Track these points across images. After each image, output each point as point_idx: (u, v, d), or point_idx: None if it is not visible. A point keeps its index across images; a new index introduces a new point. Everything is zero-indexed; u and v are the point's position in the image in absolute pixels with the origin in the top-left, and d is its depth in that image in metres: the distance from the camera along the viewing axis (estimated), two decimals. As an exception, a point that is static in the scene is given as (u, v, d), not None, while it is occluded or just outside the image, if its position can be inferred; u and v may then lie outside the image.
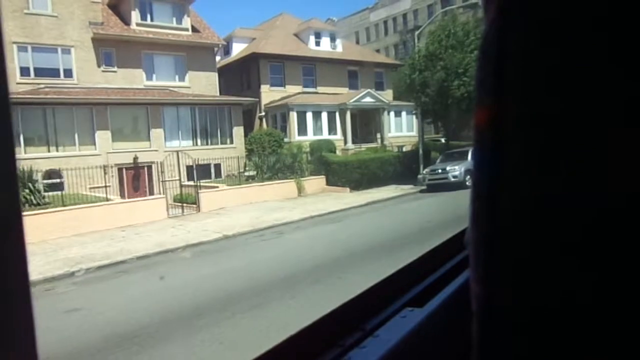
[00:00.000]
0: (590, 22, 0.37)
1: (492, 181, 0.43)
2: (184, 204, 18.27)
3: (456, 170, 18.78)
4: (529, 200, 0.40)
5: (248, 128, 27.31)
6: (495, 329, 0.44)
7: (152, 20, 24.23)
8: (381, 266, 7.97)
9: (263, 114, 29.14)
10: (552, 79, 0.39)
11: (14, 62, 19.94)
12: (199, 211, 17.53)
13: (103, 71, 22.60)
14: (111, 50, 22.89)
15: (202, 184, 20.00)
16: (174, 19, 24.85)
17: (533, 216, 0.40)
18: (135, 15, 23.65)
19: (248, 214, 15.92)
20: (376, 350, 0.83)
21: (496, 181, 0.43)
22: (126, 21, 23.76)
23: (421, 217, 13.58)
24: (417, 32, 22.65)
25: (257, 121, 29.54)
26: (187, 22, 25.15)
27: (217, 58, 34.20)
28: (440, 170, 19.20)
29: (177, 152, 20.91)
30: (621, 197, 0.37)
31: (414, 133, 32.73)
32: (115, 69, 22.98)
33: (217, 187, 19.13)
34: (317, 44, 32.19)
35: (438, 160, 20.71)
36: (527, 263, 0.41)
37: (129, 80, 23.34)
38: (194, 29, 25.65)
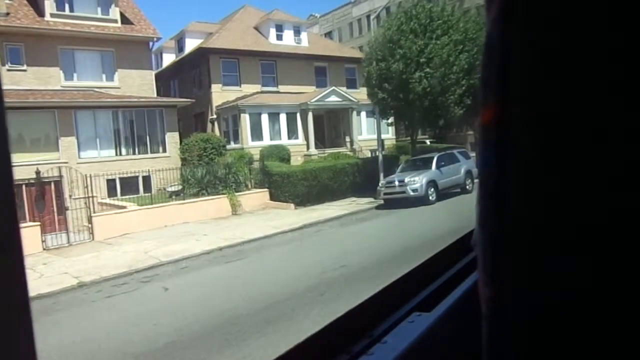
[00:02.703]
0: (594, 19, 0.37)
1: (498, 181, 0.43)
2: (82, 229, 14.88)
3: (416, 182, 15.24)
4: (536, 200, 0.40)
5: (201, 133, 23.89)
6: (505, 331, 0.44)
7: (71, 10, 20.84)
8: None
9: (215, 116, 25.75)
10: (556, 77, 0.39)
11: None
12: (93, 239, 14.11)
13: (9, 70, 19.17)
14: (19, 46, 19.53)
15: (111, 202, 16.65)
16: (99, 9, 21.45)
17: (540, 216, 0.40)
18: (49, 5, 20.26)
19: (142, 245, 12.49)
20: (384, 357, 0.82)
21: (502, 181, 0.42)
22: (40, 12, 20.38)
23: (347, 253, 10.10)
24: (372, 17, 19.13)
25: (209, 125, 26.18)
26: (115, 12, 21.75)
27: (172, 56, 31.06)
28: (397, 183, 15.64)
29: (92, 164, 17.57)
30: (624, 197, 0.37)
31: (390, 135, 29.28)
32: (24, 67, 19.60)
33: (125, 207, 15.69)
34: (279, 37, 28.72)
35: (398, 170, 17.16)
36: (535, 263, 0.41)
37: (43, 80, 19.96)
38: (126, 21, 22.26)
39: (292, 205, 17.45)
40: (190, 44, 28.45)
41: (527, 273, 0.41)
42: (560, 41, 0.38)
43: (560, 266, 0.39)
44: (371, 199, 17.86)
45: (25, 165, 17.26)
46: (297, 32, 29.49)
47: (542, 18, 0.38)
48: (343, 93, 26.51)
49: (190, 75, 27.50)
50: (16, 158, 17.20)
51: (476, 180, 17.84)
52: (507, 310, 0.43)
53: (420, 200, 15.11)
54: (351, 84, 29.89)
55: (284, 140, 24.38)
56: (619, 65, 0.36)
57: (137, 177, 19.56)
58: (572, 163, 0.38)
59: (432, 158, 16.45)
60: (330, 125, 28.65)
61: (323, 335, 0.84)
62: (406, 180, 15.36)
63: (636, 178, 0.36)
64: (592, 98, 0.37)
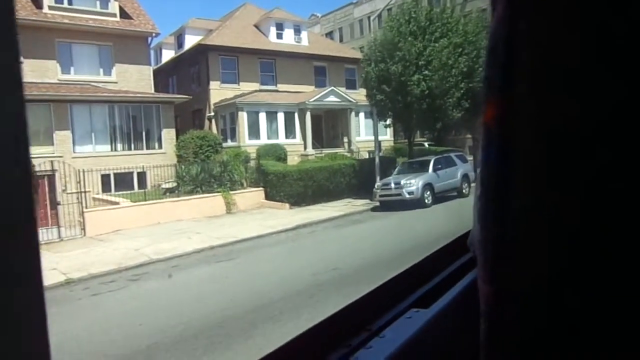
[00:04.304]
0: (599, 19, 0.37)
1: (499, 181, 0.42)
2: (74, 225, 14.75)
3: (412, 185, 15.15)
4: (538, 201, 0.40)
5: (198, 130, 23.78)
6: (503, 329, 0.44)
7: (70, 3, 20.65)
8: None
9: (212, 114, 25.60)
10: (562, 75, 0.39)
11: None
12: (84, 235, 13.98)
13: (5, 62, 19.01)
14: (16, 38, 19.34)
15: (104, 197, 16.52)
16: (98, 3, 21.28)
17: (542, 217, 0.40)
18: (48, -3, 20.09)
19: (134, 242, 12.36)
20: (383, 350, 0.83)
21: (504, 180, 0.42)
22: (39, 4, 20.21)
23: (340, 255, 10.00)
24: (372, 17, 19.02)
25: (207, 122, 26.03)
26: (114, 6, 21.59)
27: (171, 52, 30.90)
28: (393, 185, 15.54)
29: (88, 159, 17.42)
30: (628, 196, 0.36)
31: (388, 137, 29.19)
32: (20, 59, 19.33)
33: (118, 203, 15.56)
34: (279, 36, 28.57)
35: (395, 172, 17.05)
36: (537, 263, 0.41)
37: (39, 73, 19.74)
38: (125, 15, 22.09)
39: (287, 205, 17.33)
40: (190, 41, 28.29)
41: (528, 272, 0.40)
42: (568, 39, 0.38)
43: (563, 266, 0.39)
44: (367, 201, 17.76)
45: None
46: (298, 31, 29.33)
47: (549, 15, 0.38)
48: (342, 93, 26.39)
49: (189, 71, 27.34)
50: (10, 151, 17.08)
51: (472, 184, 17.84)
52: (506, 308, 0.43)
53: (416, 203, 15.01)
54: (350, 85, 29.75)
55: (281, 139, 24.25)
56: (621, 64, 0.36)
57: (131, 173, 19.40)
58: (575, 161, 0.37)
59: (429, 161, 16.36)
60: (328, 126, 28.52)
61: (322, 328, 0.85)
62: (402, 182, 15.27)
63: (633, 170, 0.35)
64: (595, 96, 0.37)
